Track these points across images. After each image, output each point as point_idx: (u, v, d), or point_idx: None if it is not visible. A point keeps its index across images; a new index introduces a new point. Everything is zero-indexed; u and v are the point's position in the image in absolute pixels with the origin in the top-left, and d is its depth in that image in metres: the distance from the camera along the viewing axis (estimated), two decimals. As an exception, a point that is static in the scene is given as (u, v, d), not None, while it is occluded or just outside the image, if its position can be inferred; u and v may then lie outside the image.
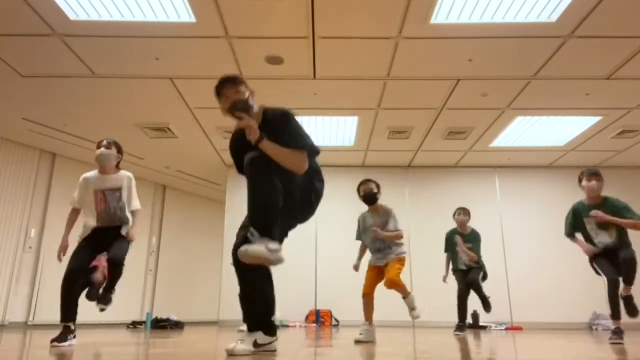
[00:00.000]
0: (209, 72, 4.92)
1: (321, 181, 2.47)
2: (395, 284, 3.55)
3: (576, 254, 7.26)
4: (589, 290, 6.97)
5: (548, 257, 7.39)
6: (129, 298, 8.05)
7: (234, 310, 6.12)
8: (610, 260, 3.72)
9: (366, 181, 3.89)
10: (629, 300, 3.75)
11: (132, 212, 3.41)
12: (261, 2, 3.81)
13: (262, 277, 2.33)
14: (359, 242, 4.06)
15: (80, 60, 4.70)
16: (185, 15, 3.98)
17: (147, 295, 8.64)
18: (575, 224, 3.96)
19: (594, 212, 3.75)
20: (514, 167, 7.86)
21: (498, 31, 4.19)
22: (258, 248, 2.02)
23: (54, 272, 7.11)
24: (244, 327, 2.40)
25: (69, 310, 3.08)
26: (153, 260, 8.86)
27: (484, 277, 5.34)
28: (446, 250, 5.47)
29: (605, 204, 3.80)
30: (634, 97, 5.41)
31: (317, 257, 7.45)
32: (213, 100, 6.20)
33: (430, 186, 7.82)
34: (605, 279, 3.68)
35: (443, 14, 3.96)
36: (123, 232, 3.30)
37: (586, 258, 4.01)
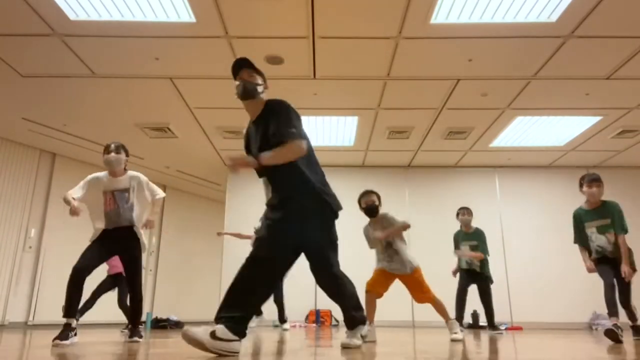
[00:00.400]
0: (209, 72, 4.93)
1: (330, 195, 2.58)
2: (429, 299, 3.64)
3: (576, 254, 7.27)
4: (589, 290, 6.97)
5: (548, 257, 7.39)
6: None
7: (234, 310, 6.13)
8: (610, 268, 3.79)
9: (367, 193, 3.78)
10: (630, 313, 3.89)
11: (155, 201, 3.57)
12: (261, 2, 3.81)
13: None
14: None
15: (80, 60, 4.70)
16: (185, 15, 3.98)
17: (147, 295, 8.65)
18: (579, 229, 4.02)
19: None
20: (514, 167, 7.86)
21: (498, 31, 4.19)
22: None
23: (54, 272, 7.12)
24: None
25: (72, 306, 3.13)
26: (153, 260, 8.86)
27: (490, 282, 5.41)
28: (455, 251, 5.54)
29: (604, 207, 3.89)
30: (634, 97, 5.41)
31: (317, 257, 7.44)
32: (213, 100, 6.23)
33: (430, 186, 7.82)
34: (603, 282, 3.75)
35: (443, 14, 3.96)
36: (136, 230, 3.48)
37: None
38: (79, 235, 7.51)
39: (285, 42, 4.40)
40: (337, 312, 7.11)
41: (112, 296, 5.43)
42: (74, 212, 3.23)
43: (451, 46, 4.44)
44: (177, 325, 7.03)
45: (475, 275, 5.36)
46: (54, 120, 6.17)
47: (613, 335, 3.47)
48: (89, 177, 3.48)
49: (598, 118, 5.99)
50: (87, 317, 5.23)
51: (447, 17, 3.99)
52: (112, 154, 3.43)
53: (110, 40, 4.36)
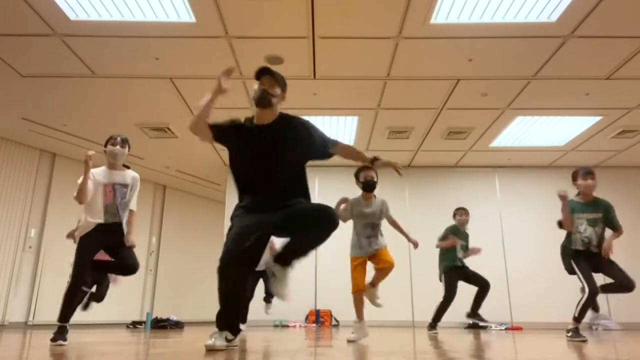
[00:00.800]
0: (209, 72, 4.92)
1: None
2: (392, 267, 3.63)
3: (576, 254, 7.25)
4: (589, 290, 6.97)
5: (548, 257, 7.36)
6: (129, 298, 8.05)
7: (234, 310, 6.12)
8: (591, 266, 3.80)
9: (366, 168, 3.79)
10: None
11: (130, 212, 3.45)
12: (261, 2, 3.81)
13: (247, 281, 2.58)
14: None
15: (80, 60, 4.70)
16: (185, 15, 3.98)
17: (147, 295, 8.64)
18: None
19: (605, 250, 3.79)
20: (514, 167, 7.86)
21: (498, 31, 4.19)
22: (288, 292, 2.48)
23: (54, 272, 7.11)
24: (243, 326, 2.53)
25: (71, 313, 3.14)
26: (153, 260, 8.86)
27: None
28: (441, 239, 5.53)
29: (597, 202, 3.91)
30: (634, 97, 5.41)
31: (317, 257, 7.44)
32: (213, 100, 6.12)
33: (430, 186, 7.81)
34: (587, 289, 3.67)
35: (443, 14, 3.96)
36: (125, 228, 3.38)
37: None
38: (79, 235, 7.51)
39: (285, 42, 4.40)
40: (337, 312, 7.10)
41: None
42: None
43: (451, 46, 4.44)
44: (177, 325, 7.03)
45: (465, 269, 5.38)
46: (54, 120, 6.17)
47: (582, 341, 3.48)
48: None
49: (598, 118, 5.99)
50: (87, 317, 5.22)
51: (447, 17, 3.99)
52: (118, 147, 3.43)
53: (110, 40, 4.36)
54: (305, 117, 2.79)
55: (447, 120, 6.11)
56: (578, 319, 3.68)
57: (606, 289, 3.90)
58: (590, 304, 3.67)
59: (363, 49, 4.49)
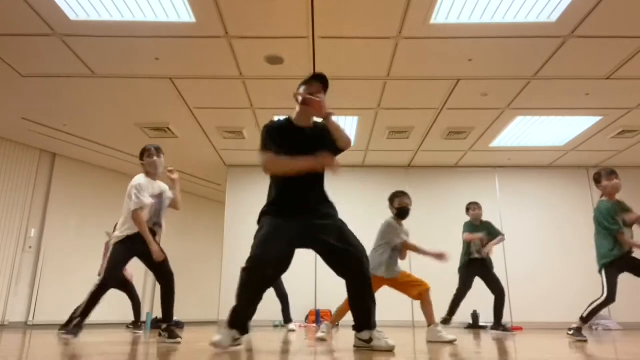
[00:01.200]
0: (209, 72, 4.93)
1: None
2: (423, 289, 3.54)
3: (576, 254, 7.27)
4: (589, 290, 6.94)
5: (548, 257, 7.39)
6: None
7: (234, 310, 6.12)
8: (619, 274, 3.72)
9: (402, 194, 3.73)
10: None
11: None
12: (261, 2, 3.81)
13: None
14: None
15: (80, 60, 4.70)
16: (185, 15, 3.98)
17: (147, 295, 8.65)
18: (616, 219, 3.82)
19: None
20: (514, 167, 7.86)
21: (498, 31, 4.19)
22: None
23: (54, 272, 7.12)
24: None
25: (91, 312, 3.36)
26: (153, 260, 8.85)
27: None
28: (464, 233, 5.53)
29: (623, 203, 3.85)
30: (634, 97, 5.41)
31: (317, 256, 7.43)
32: (213, 100, 6.22)
33: (430, 186, 7.82)
34: (606, 294, 3.63)
35: (443, 14, 3.96)
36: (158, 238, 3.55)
37: (586, 258, 4.03)
38: (79, 235, 7.52)
39: (285, 42, 4.40)
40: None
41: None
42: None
43: (451, 46, 4.44)
44: (177, 325, 7.02)
45: (484, 265, 5.34)
46: (54, 120, 6.17)
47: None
48: (137, 184, 3.44)
49: (598, 118, 5.99)
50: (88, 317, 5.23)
51: (447, 17, 3.99)
52: (157, 158, 3.54)
53: (110, 40, 4.36)
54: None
55: (447, 120, 6.11)
56: (585, 319, 3.63)
57: None
58: (601, 309, 3.62)
59: (363, 49, 4.49)
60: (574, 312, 6.98)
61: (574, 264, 7.11)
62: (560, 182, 7.74)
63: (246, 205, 7.50)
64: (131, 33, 4.25)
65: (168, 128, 6.43)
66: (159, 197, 3.55)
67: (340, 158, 2.73)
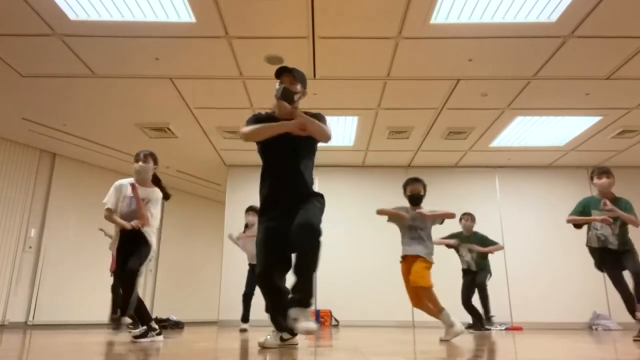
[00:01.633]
0: (209, 72, 4.93)
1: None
2: (421, 288, 3.45)
3: (576, 254, 7.26)
4: (589, 290, 6.98)
5: (548, 257, 7.38)
6: (129, 298, 8.04)
7: (234, 311, 6.12)
8: (618, 267, 3.80)
9: (414, 180, 3.80)
10: None
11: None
12: (261, 2, 3.81)
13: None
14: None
15: (80, 60, 4.70)
16: (185, 15, 3.98)
17: (147, 295, 8.64)
18: (581, 211, 4.05)
19: (604, 202, 3.81)
20: (514, 167, 7.86)
21: (498, 31, 4.19)
22: (314, 324, 2.33)
23: (54, 272, 7.12)
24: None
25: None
26: (153, 260, 8.86)
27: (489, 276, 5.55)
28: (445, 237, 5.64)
29: (616, 202, 3.92)
30: (634, 97, 5.41)
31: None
32: (213, 100, 6.22)
33: (430, 186, 7.71)
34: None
35: (443, 14, 3.96)
36: (147, 236, 3.51)
37: (586, 258, 4.06)
38: (79, 235, 7.52)
39: (285, 42, 4.40)
40: (337, 312, 7.10)
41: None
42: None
43: (451, 46, 4.44)
44: (177, 325, 7.02)
45: (472, 274, 5.51)
46: (54, 120, 6.17)
47: None
48: (116, 184, 3.62)
49: (598, 118, 5.99)
50: (87, 317, 5.23)
51: (447, 17, 3.99)
52: (141, 163, 3.57)
53: (110, 40, 4.36)
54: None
55: (447, 120, 6.11)
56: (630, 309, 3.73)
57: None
58: (623, 291, 3.72)
59: (363, 49, 4.49)
60: (574, 312, 7.03)
61: (574, 264, 7.10)
62: (560, 182, 7.74)
63: (246, 205, 7.46)
64: (131, 33, 4.25)
65: (168, 128, 6.43)
66: (142, 202, 3.54)
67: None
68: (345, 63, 4.74)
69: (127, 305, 3.33)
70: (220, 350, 2.55)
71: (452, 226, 5.59)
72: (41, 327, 6.43)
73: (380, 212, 3.80)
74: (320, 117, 2.80)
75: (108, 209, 3.52)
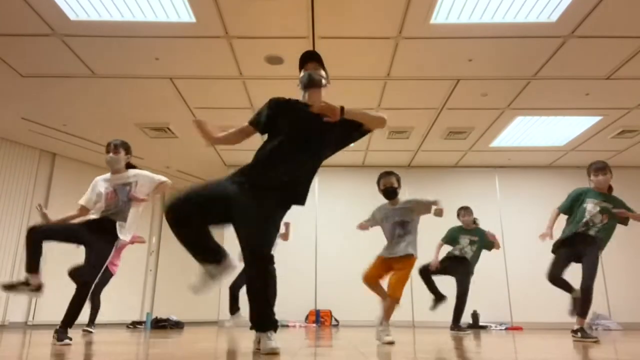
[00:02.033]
0: (209, 72, 4.93)
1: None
2: (396, 297, 3.34)
3: (576, 254, 7.24)
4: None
5: (548, 257, 7.34)
6: (129, 298, 8.05)
7: (234, 310, 6.11)
8: (571, 258, 4.11)
9: (386, 174, 3.67)
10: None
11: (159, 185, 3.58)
12: (261, 2, 3.81)
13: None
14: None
15: (80, 60, 4.70)
16: (185, 15, 3.99)
17: (147, 295, 8.64)
18: (574, 201, 4.20)
19: (620, 212, 3.89)
20: (514, 167, 7.86)
21: (498, 31, 4.19)
22: (274, 344, 2.20)
23: (54, 272, 7.10)
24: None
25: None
26: (153, 260, 8.85)
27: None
28: (443, 240, 5.53)
29: (612, 197, 4.00)
30: (634, 97, 5.41)
31: (317, 256, 7.44)
32: (213, 100, 6.21)
33: (430, 186, 7.81)
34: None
35: (443, 14, 3.96)
36: (118, 232, 3.47)
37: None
38: (79, 235, 7.51)
39: (285, 42, 4.40)
40: (337, 312, 7.10)
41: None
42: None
43: (451, 46, 4.44)
44: (177, 325, 7.02)
45: (462, 262, 5.34)
46: (54, 120, 6.17)
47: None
48: (93, 181, 3.70)
49: (598, 118, 5.99)
50: (87, 317, 5.22)
51: (447, 17, 3.99)
52: (111, 154, 3.54)
53: (110, 40, 4.36)
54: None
55: (447, 120, 6.11)
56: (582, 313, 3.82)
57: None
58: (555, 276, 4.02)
59: (363, 49, 4.49)
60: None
61: (574, 264, 7.10)
62: (560, 182, 7.72)
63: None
64: (131, 33, 4.25)
65: (168, 128, 6.43)
66: (119, 187, 3.53)
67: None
68: (346, 63, 4.74)
69: (73, 319, 3.18)
70: (220, 350, 2.55)
71: (451, 223, 5.60)
72: (41, 327, 6.42)
73: (361, 228, 3.83)
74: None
75: (80, 206, 3.63)
